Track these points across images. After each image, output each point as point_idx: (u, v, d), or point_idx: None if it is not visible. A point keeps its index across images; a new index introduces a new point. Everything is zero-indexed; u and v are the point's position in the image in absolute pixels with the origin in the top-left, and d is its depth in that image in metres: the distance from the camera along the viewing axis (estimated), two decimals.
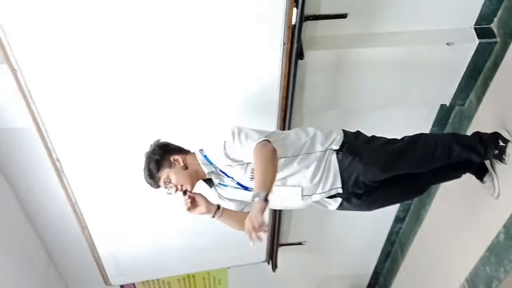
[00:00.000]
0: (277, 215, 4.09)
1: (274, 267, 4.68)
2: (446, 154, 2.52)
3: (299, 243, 4.83)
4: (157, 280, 5.04)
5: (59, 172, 3.20)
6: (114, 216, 3.68)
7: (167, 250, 4.12)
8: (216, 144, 2.45)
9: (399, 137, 2.61)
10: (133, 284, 5.05)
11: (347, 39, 3.02)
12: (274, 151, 2.28)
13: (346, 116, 3.50)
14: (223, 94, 2.90)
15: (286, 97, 2.97)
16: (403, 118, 3.56)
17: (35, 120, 2.88)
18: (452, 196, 3.72)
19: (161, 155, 2.43)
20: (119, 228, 3.80)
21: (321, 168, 2.41)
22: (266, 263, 4.62)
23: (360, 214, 4.49)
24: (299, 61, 2.86)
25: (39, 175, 3.45)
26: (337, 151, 2.43)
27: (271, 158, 2.25)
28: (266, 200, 2.13)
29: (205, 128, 3.00)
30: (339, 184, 2.43)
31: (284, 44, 2.70)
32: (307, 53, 2.91)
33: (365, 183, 2.45)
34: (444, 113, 3.61)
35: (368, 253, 5.18)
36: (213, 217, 2.53)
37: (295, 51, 2.73)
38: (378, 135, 2.61)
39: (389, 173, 2.45)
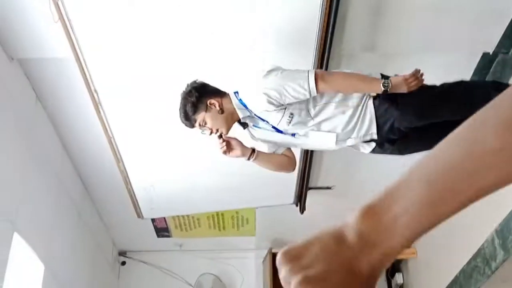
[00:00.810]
0: (307, 158, 4.11)
1: (302, 209, 4.73)
2: (486, 99, 2.46)
3: (328, 188, 4.87)
4: (187, 216, 5.18)
5: (96, 104, 3.25)
6: (149, 151, 3.75)
7: (198, 187, 4.19)
8: (251, 87, 2.44)
9: (437, 84, 2.56)
10: (164, 218, 5.21)
11: None
12: (333, 72, 2.40)
13: (385, 60, 3.43)
14: (258, 28, 2.86)
15: (326, 34, 2.91)
16: (442, 65, 3.48)
17: (74, 50, 2.91)
18: None
19: (198, 98, 2.43)
20: (153, 163, 3.88)
21: (357, 114, 2.41)
22: (294, 205, 4.68)
23: (390, 163, 4.55)
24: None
25: (77, 106, 3.51)
26: (374, 97, 2.42)
27: (343, 74, 2.38)
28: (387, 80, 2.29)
29: (239, 66, 2.98)
30: (374, 129, 2.44)
31: None
32: None
33: (400, 129, 2.44)
34: (486, 61, 3.50)
35: None
36: (248, 159, 2.57)
37: None
38: None
39: (425, 120, 2.44)
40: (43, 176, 3.64)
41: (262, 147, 2.63)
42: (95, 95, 3.19)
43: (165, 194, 4.19)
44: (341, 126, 2.42)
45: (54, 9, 2.67)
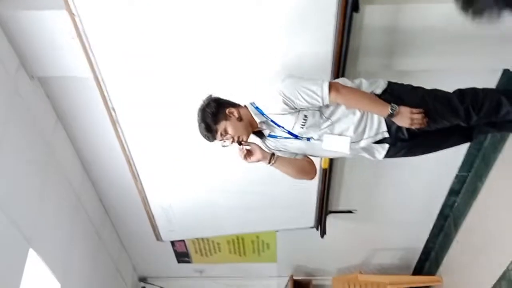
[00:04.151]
0: (325, 181, 4.07)
1: (323, 233, 4.66)
2: (494, 109, 2.48)
3: (349, 211, 4.80)
4: (207, 240, 5.16)
5: (114, 122, 3.29)
6: (167, 171, 3.76)
7: (218, 208, 4.18)
8: (267, 94, 2.51)
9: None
10: (184, 242, 5.19)
11: None
12: (347, 86, 2.46)
13: (401, 78, 3.39)
14: (274, 49, 2.89)
15: (340, 53, 2.92)
16: (462, 82, 3.41)
17: (92, 68, 2.96)
18: (510, 167, 3.58)
19: (217, 108, 2.49)
20: (172, 184, 3.89)
21: (365, 113, 2.46)
22: (315, 229, 4.62)
23: (411, 186, 4.49)
24: (355, 15, 2.81)
25: (95, 124, 3.56)
26: (379, 95, 2.47)
27: (355, 91, 2.46)
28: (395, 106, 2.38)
29: (254, 84, 2.99)
30: (384, 127, 2.46)
31: None
32: (364, 8, 2.85)
33: (409, 129, 2.44)
34: (506, 79, 3.45)
35: (420, 227, 5.07)
36: (269, 163, 2.57)
37: (350, 3, 2.68)
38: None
39: (432, 125, 2.43)
40: (61, 195, 3.68)
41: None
42: (113, 113, 3.23)
43: (183, 216, 4.18)
44: (353, 127, 2.46)
45: (72, 26, 2.73)
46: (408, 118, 2.37)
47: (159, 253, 5.24)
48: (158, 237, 4.42)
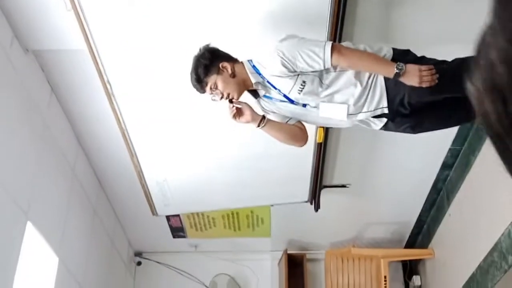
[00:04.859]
0: (321, 154, 4.09)
1: (317, 207, 4.70)
2: None
3: (343, 186, 4.83)
4: (202, 214, 5.18)
5: (109, 95, 3.27)
6: (163, 145, 3.76)
7: (213, 183, 4.20)
8: (265, 53, 2.43)
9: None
10: (179, 217, 5.21)
11: None
12: (351, 48, 2.39)
13: None
14: (270, 18, 2.86)
15: (336, 25, 2.91)
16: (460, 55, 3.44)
17: (87, 41, 2.93)
18: None
19: (210, 60, 2.43)
20: (168, 158, 3.90)
21: (368, 87, 2.39)
22: (309, 203, 4.65)
23: (406, 161, 4.52)
24: None
25: (90, 97, 3.54)
26: None
27: (359, 52, 2.38)
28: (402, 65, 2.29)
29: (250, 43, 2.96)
30: (385, 103, 2.41)
31: None
32: None
33: (411, 103, 2.40)
34: None
35: (412, 201, 5.12)
36: (258, 126, 2.54)
37: None
38: None
39: (437, 95, 2.39)
40: (57, 169, 3.68)
41: (274, 119, 2.62)
42: (108, 86, 3.22)
43: (179, 190, 4.19)
44: (353, 100, 2.40)
45: None
46: (416, 76, 2.27)
47: (154, 228, 5.26)
48: (153, 211, 4.43)
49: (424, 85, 2.29)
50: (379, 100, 2.41)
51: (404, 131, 2.56)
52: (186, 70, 2.53)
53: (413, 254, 5.44)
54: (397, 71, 2.28)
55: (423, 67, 2.30)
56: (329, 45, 2.32)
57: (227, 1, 2.82)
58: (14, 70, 3.08)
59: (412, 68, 2.29)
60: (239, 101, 2.50)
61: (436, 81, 2.31)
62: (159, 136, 3.67)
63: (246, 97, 2.56)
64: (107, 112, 3.42)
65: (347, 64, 2.35)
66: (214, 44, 2.52)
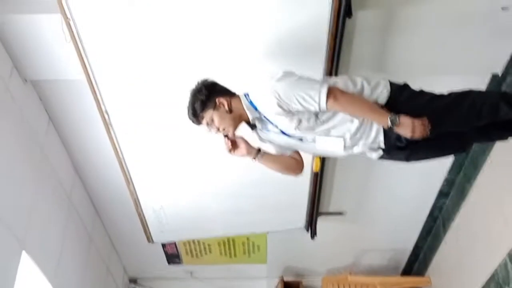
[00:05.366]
0: (317, 182, 4.10)
1: (313, 234, 4.70)
2: (493, 112, 2.45)
3: (339, 213, 4.83)
4: (198, 241, 5.16)
5: (107, 125, 3.29)
6: (159, 173, 3.77)
7: (209, 210, 4.20)
8: (263, 88, 2.42)
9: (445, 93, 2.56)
10: (175, 244, 5.19)
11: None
12: (347, 93, 2.37)
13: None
14: (269, 50, 2.90)
15: (333, 57, 2.95)
16: (451, 86, 3.48)
17: (86, 71, 2.97)
18: (499, 169, 3.63)
19: (207, 96, 2.44)
20: (164, 186, 3.90)
21: (364, 122, 2.40)
22: (305, 230, 4.65)
23: (402, 189, 4.53)
24: (348, 20, 2.84)
25: (88, 127, 3.55)
26: (381, 106, 2.40)
27: (355, 99, 2.36)
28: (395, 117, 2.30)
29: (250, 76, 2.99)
30: (381, 138, 2.42)
31: (332, 2, 2.69)
32: (357, 13, 2.88)
33: (407, 138, 2.42)
34: (496, 83, 3.50)
35: (409, 228, 5.12)
36: (254, 159, 2.55)
37: (343, 8, 2.71)
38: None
39: (434, 130, 2.41)
40: (53, 197, 3.67)
41: (270, 149, 2.63)
42: (106, 116, 3.24)
43: (175, 217, 4.19)
44: (349, 134, 2.41)
45: (66, 29, 2.73)
46: (409, 129, 2.29)
47: (149, 255, 5.23)
48: (149, 238, 4.43)
49: (416, 137, 2.31)
50: (376, 135, 2.42)
51: (398, 160, 2.58)
52: (182, 100, 2.54)
53: (410, 281, 5.40)
54: (390, 124, 2.30)
55: (416, 121, 2.30)
56: (324, 89, 2.30)
57: (225, 32, 2.86)
58: (13, 100, 3.10)
59: (405, 120, 2.30)
60: (235, 135, 2.51)
61: (428, 134, 2.33)
62: (156, 164, 3.68)
63: (243, 127, 2.56)
64: (104, 141, 3.44)
65: (342, 110, 2.36)
66: (212, 76, 2.54)
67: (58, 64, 3.11)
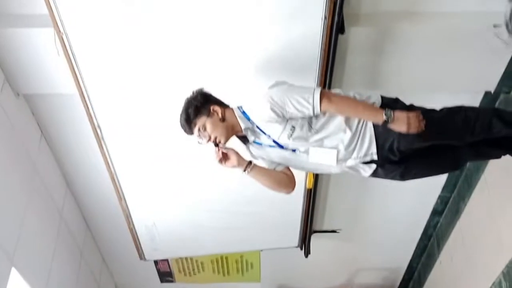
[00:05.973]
0: (311, 200, 4.08)
1: (307, 253, 4.66)
2: (486, 128, 2.46)
3: (333, 231, 4.80)
4: (191, 259, 5.12)
5: (99, 140, 3.28)
6: (152, 190, 3.75)
7: (202, 228, 4.17)
8: (255, 98, 2.43)
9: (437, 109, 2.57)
10: (167, 262, 5.14)
11: (390, 16, 2.99)
12: (339, 95, 2.40)
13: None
14: (261, 65, 2.91)
15: (325, 73, 2.96)
16: (444, 103, 3.48)
17: (78, 85, 2.96)
18: (493, 188, 3.63)
19: (202, 103, 2.44)
20: (156, 202, 3.87)
21: (357, 133, 2.40)
22: (299, 249, 4.62)
23: (396, 207, 4.52)
24: (340, 37, 2.86)
25: (80, 141, 3.53)
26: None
27: (348, 99, 2.40)
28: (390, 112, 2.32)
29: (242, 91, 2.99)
30: (374, 149, 2.41)
31: (325, 18, 2.70)
32: (349, 29, 2.90)
33: (400, 150, 2.41)
34: (489, 101, 3.51)
35: (403, 247, 5.10)
36: (244, 171, 2.52)
37: (335, 25, 2.72)
38: None
39: (425, 141, 2.41)
40: (45, 213, 3.64)
41: (262, 165, 2.60)
42: (98, 131, 3.23)
43: (168, 234, 4.15)
44: (343, 145, 2.41)
45: (59, 43, 2.73)
46: (404, 123, 2.30)
47: (141, 272, 5.18)
48: (141, 256, 4.38)
49: (412, 132, 2.32)
50: (369, 146, 2.42)
51: (393, 178, 2.56)
52: (175, 116, 2.53)
53: None
54: (386, 118, 2.31)
55: (411, 114, 2.33)
56: (318, 91, 2.33)
57: (218, 48, 2.86)
58: (5, 114, 3.09)
59: (400, 115, 2.32)
60: (225, 147, 2.49)
61: (424, 128, 2.34)
62: (148, 180, 3.66)
63: (236, 142, 2.56)
64: (96, 156, 3.42)
65: (336, 110, 2.36)
66: (206, 89, 2.54)
67: (50, 78, 3.10)
